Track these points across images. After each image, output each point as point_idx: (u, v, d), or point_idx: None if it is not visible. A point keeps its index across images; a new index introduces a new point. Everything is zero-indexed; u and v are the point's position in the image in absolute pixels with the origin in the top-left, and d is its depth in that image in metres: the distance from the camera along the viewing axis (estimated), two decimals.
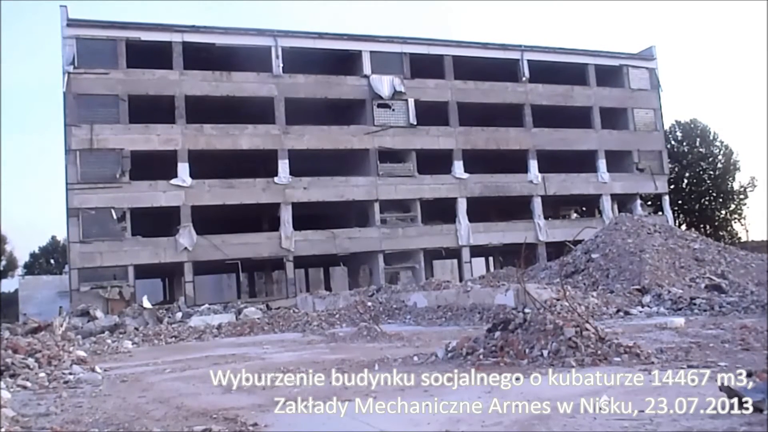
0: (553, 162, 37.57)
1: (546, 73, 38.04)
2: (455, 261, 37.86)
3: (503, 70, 37.66)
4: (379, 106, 34.39)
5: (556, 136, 37.97)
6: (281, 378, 8.13)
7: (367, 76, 34.35)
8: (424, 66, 35.38)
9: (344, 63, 34.65)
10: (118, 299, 28.22)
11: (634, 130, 40.33)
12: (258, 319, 19.49)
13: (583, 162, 38.77)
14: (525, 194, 36.75)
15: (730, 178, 50.00)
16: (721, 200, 49.66)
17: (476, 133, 36.20)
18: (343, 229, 33.31)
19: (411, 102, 34.82)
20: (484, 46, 38.16)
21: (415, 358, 8.91)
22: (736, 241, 45.30)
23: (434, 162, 34.55)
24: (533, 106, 37.67)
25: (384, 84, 34.17)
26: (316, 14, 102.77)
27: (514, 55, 38.25)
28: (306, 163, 32.42)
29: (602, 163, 38.85)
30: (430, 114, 34.85)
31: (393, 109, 34.63)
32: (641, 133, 40.47)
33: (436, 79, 35.76)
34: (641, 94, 40.98)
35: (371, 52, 34.89)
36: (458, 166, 35.32)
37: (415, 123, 34.70)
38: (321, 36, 34.50)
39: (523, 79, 37.92)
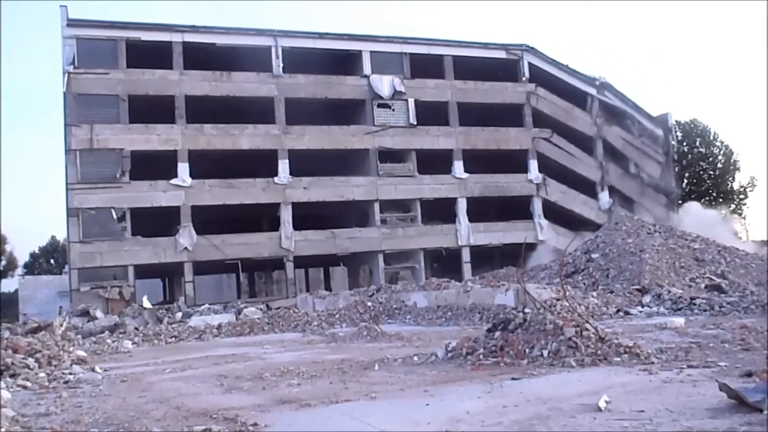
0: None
1: (547, 80, 38.10)
2: None
3: (503, 70, 37.65)
4: (379, 106, 34.39)
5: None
6: (281, 378, 8.13)
7: (367, 76, 34.34)
8: (424, 66, 35.37)
9: (344, 63, 34.65)
10: (118, 299, 28.22)
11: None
12: (258, 319, 19.48)
13: None
14: (525, 194, 36.74)
15: (730, 178, 50.02)
16: (721, 200, 49.68)
17: (476, 133, 36.16)
18: (343, 229, 33.31)
19: (411, 102, 34.81)
20: (485, 46, 38.08)
21: (415, 358, 8.91)
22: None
23: (434, 162, 34.53)
24: (534, 107, 37.63)
25: (384, 84, 34.16)
26: (316, 14, 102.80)
27: (514, 55, 38.26)
28: (306, 163, 32.40)
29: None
30: (430, 114, 34.83)
31: (393, 109, 34.62)
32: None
33: (436, 79, 35.75)
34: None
35: (371, 52, 34.90)
36: (458, 166, 35.26)
37: (415, 123, 34.70)
38: (321, 36, 34.50)
39: (523, 79, 37.89)
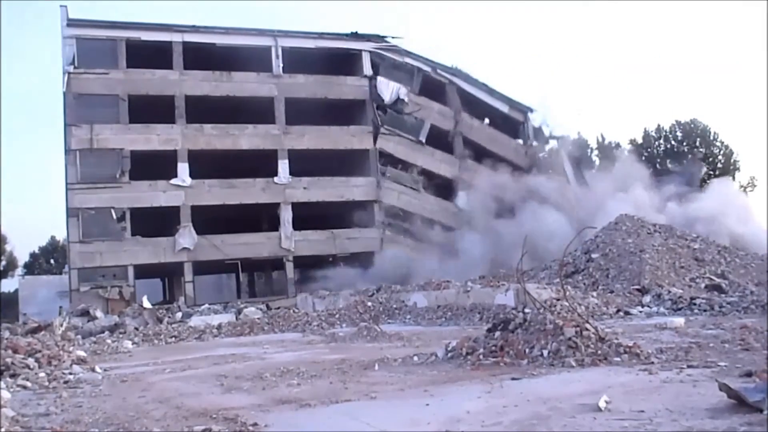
0: None
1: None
2: None
3: (507, 124, 37.53)
4: (396, 111, 34.32)
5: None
6: (281, 378, 8.13)
7: (367, 77, 34.34)
8: (431, 85, 35.38)
9: (344, 63, 34.63)
10: (118, 299, 28.24)
11: None
12: (258, 319, 19.49)
13: None
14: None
15: (730, 178, 49.92)
16: None
17: (482, 171, 34.43)
18: (343, 229, 33.22)
19: (428, 124, 34.85)
20: (490, 92, 37.52)
21: (415, 358, 8.91)
22: None
23: (437, 183, 34.43)
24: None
25: (388, 89, 34.07)
26: (316, 14, 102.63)
27: (518, 115, 38.05)
28: (306, 163, 32.41)
29: None
30: (432, 134, 34.93)
31: (406, 120, 34.59)
32: None
33: (440, 103, 35.56)
34: None
35: (371, 52, 34.83)
36: (461, 197, 33.94)
37: (424, 141, 34.75)
38: (321, 36, 34.49)
39: (528, 142, 37.61)
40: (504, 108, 37.69)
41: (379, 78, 34.18)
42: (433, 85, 35.73)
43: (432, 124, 35.20)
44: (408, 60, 35.35)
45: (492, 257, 27.78)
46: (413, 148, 34.70)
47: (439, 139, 35.41)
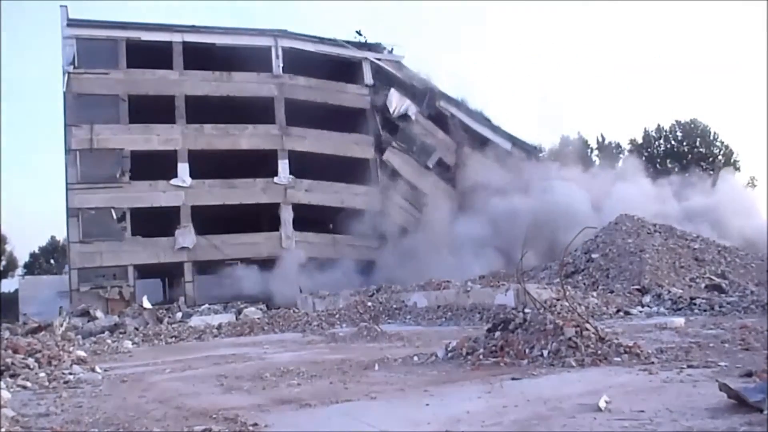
0: None
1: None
2: None
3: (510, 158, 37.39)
4: (402, 125, 34.27)
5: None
6: (281, 378, 8.13)
7: (368, 86, 34.34)
8: (436, 114, 35.36)
9: (346, 68, 34.59)
10: (118, 299, 28.26)
11: None
12: (258, 319, 19.51)
13: None
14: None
15: (733, 172, 49.87)
16: None
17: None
18: (344, 236, 33.08)
19: (437, 153, 34.88)
20: (493, 129, 37.19)
21: (415, 358, 8.91)
22: None
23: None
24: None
25: (399, 102, 33.96)
26: (316, 15, 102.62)
27: (521, 153, 37.51)
28: (307, 164, 32.40)
29: None
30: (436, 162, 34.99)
31: (417, 142, 34.44)
32: None
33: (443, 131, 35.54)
34: None
35: (372, 62, 34.77)
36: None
37: (430, 167, 34.70)
38: (322, 41, 34.45)
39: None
40: (507, 145, 37.31)
41: (392, 90, 34.15)
42: (437, 112, 35.73)
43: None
44: (411, 75, 35.30)
45: (497, 245, 27.73)
46: (419, 172, 34.75)
47: (441, 168, 35.45)
